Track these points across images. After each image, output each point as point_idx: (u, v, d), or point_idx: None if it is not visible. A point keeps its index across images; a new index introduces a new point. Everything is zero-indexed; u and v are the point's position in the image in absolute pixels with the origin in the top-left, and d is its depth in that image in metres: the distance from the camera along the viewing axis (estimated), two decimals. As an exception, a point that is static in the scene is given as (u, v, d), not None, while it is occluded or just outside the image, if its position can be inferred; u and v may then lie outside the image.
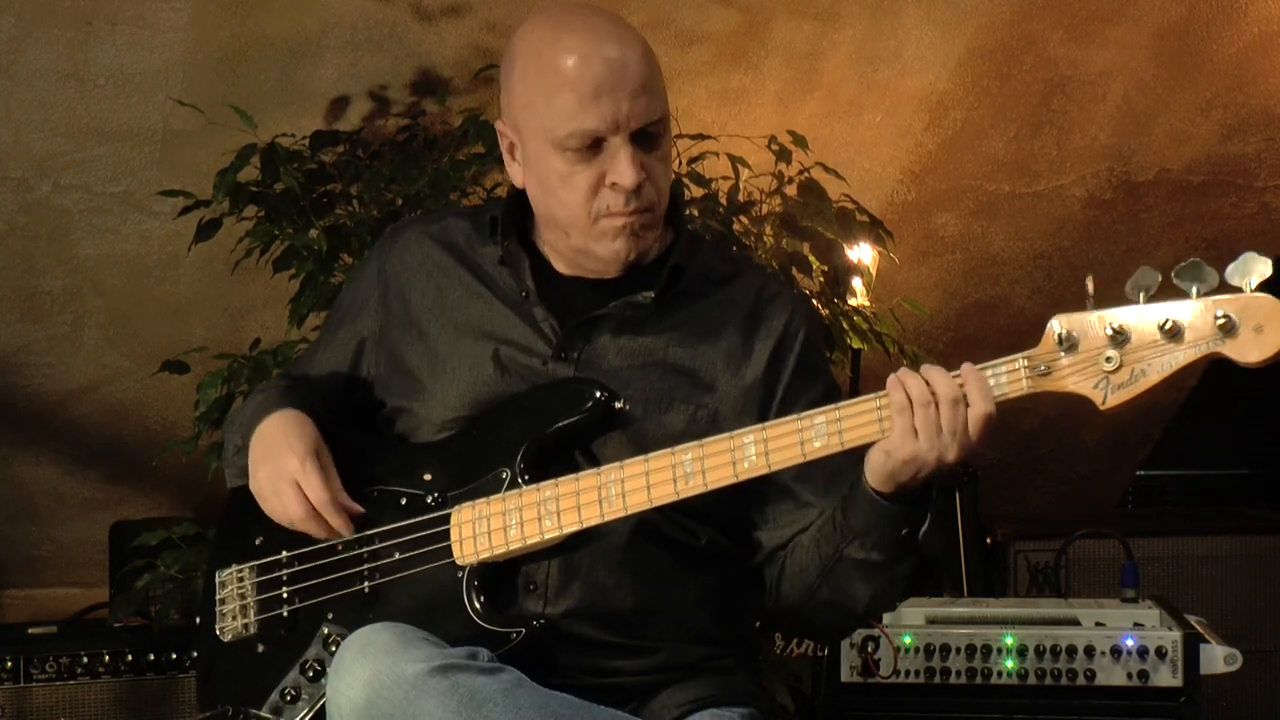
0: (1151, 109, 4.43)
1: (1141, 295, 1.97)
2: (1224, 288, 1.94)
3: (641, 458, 2.16)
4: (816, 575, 2.23)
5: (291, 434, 2.29)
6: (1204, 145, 4.56)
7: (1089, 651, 3.00)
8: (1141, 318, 1.96)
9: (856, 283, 3.67)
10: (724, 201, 3.56)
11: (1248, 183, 4.69)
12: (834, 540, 2.18)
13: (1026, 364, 2.02)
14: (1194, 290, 1.94)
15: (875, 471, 2.09)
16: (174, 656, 3.61)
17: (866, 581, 2.19)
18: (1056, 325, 2.01)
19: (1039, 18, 4.13)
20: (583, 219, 2.24)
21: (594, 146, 2.20)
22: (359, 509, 2.29)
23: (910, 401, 2.03)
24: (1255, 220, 4.78)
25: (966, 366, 2.04)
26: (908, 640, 3.03)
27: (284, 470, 2.27)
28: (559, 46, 2.20)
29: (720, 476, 2.12)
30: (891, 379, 2.05)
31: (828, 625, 2.67)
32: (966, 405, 2.02)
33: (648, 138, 2.22)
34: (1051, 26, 4.17)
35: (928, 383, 2.03)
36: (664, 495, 2.15)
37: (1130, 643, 2.99)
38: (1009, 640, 3.03)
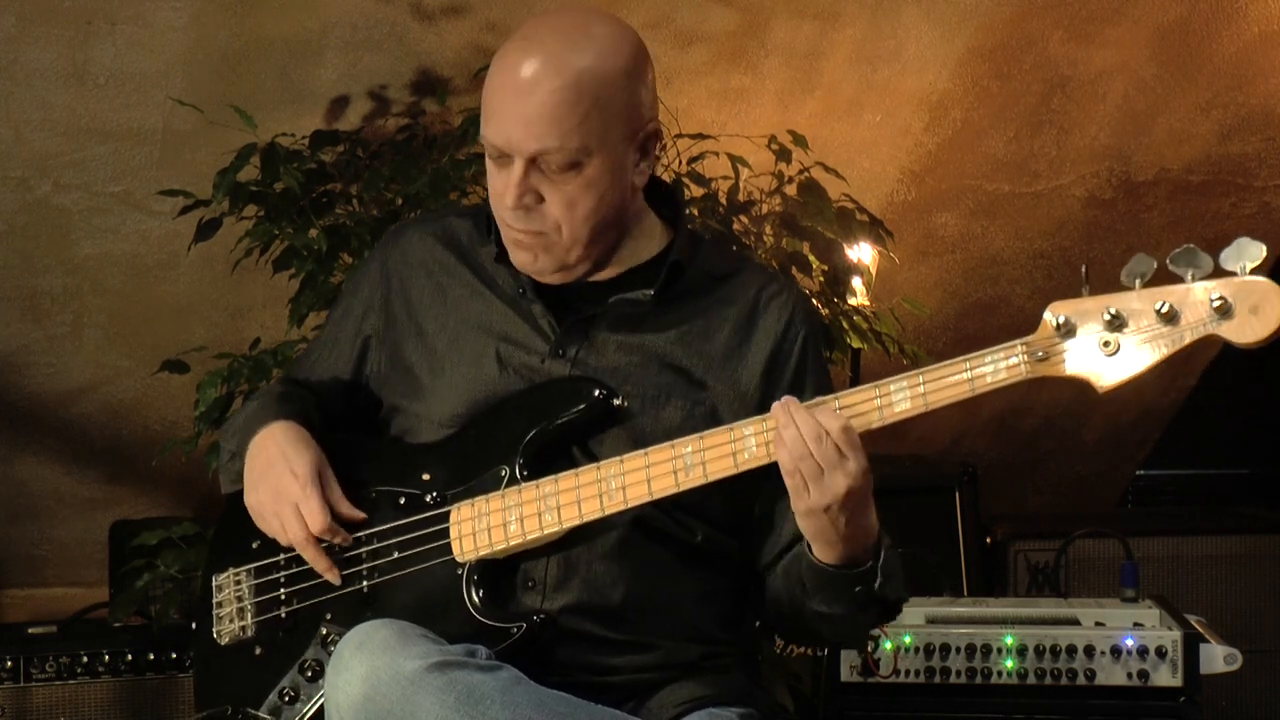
0: (1151, 109, 4.43)
1: (1137, 282, 2.00)
2: (1219, 273, 1.96)
3: (641, 451, 2.17)
4: (788, 610, 2.26)
5: (291, 453, 2.29)
6: (1204, 145, 4.56)
7: (1089, 651, 3.00)
8: (1138, 302, 1.99)
9: (856, 282, 3.67)
10: (724, 201, 3.57)
11: (1248, 183, 4.69)
12: (797, 590, 2.22)
13: (1024, 349, 2.04)
14: (1189, 275, 1.97)
15: (807, 536, 2.13)
16: (174, 656, 3.62)
17: (831, 626, 2.24)
18: (1053, 313, 2.03)
19: (1039, 18, 4.13)
20: (498, 220, 2.29)
21: (505, 156, 2.21)
22: (361, 516, 2.29)
23: (794, 464, 2.06)
24: (1255, 220, 4.78)
25: (814, 403, 2.08)
26: (908, 640, 3.03)
27: (285, 493, 2.27)
28: (504, 53, 2.22)
29: (721, 468, 2.13)
30: (776, 441, 2.08)
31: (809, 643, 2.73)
32: (829, 435, 2.05)
33: (548, 167, 2.20)
34: (1051, 26, 4.17)
35: (799, 430, 2.06)
36: (664, 488, 2.15)
37: (1130, 642, 2.99)
38: (1009, 640, 3.02)
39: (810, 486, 2.06)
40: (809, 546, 2.15)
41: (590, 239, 2.26)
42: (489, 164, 2.26)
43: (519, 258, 2.29)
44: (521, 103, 2.17)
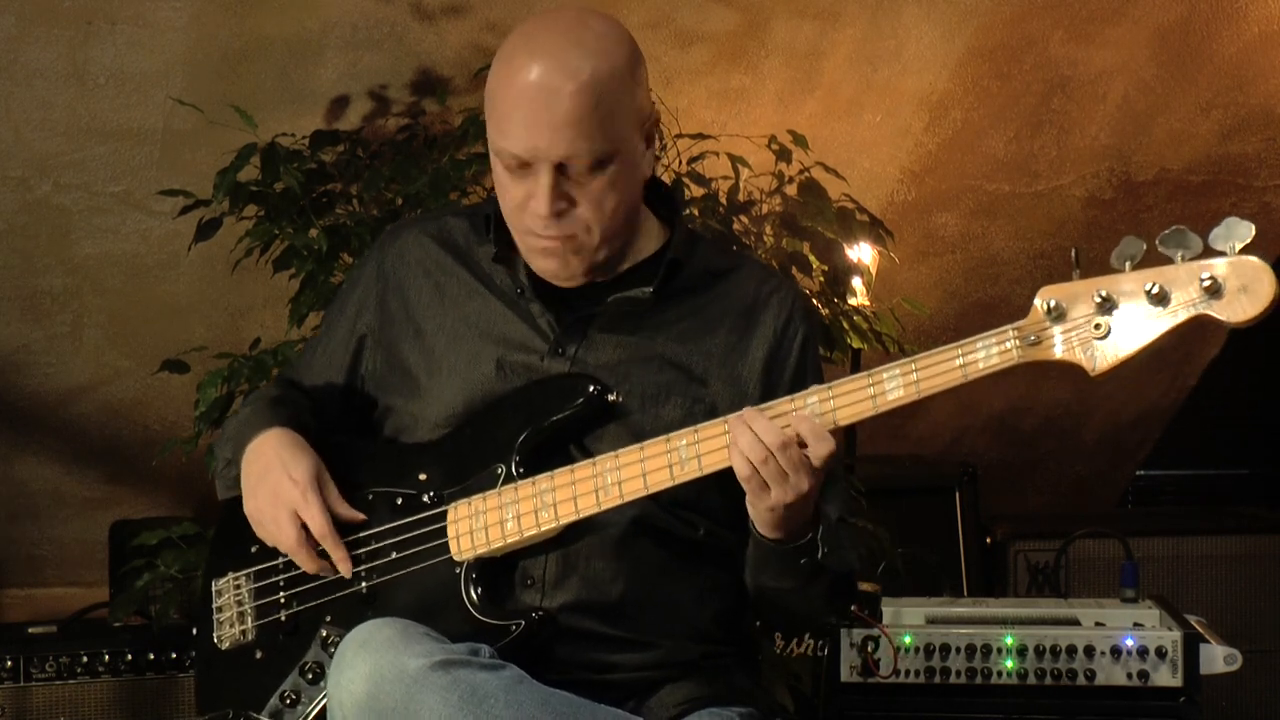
0: (1151, 109, 4.43)
1: (1127, 264, 2.00)
2: (1208, 253, 1.97)
3: (636, 446, 2.17)
4: (753, 594, 2.29)
5: (289, 459, 2.29)
6: (1204, 145, 4.56)
7: (1089, 651, 3.00)
8: (1128, 284, 2.00)
9: (856, 282, 3.67)
10: (724, 201, 3.57)
11: (1248, 183, 4.69)
12: (749, 570, 2.25)
13: (1016, 334, 2.04)
14: (1179, 256, 1.98)
15: (757, 521, 2.16)
16: (174, 656, 3.61)
17: (787, 602, 2.27)
18: (1043, 297, 2.03)
19: (1039, 18, 4.13)
20: (518, 230, 2.27)
21: (525, 166, 2.20)
22: (360, 517, 2.29)
23: (753, 466, 2.08)
24: (1255, 220, 4.71)
25: (799, 416, 2.09)
26: (908, 640, 3.03)
27: (283, 499, 2.27)
28: (511, 62, 2.20)
29: (716, 460, 2.14)
30: (731, 447, 2.10)
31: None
32: (801, 445, 2.07)
33: (575, 170, 2.20)
34: (1051, 26, 4.17)
35: (756, 436, 2.07)
36: (660, 481, 2.16)
37: (1130, 643, 2.99)
38: (1009, 640, 3.02)
39: (773, 488, 2.09)
40: (754, 527, 2.18)
41: (614, 234, 2.27)
42: (503, 175, 2.24)
43: (546, 265, 2.28)
44: (544, 111, 2.16)
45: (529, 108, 2.17)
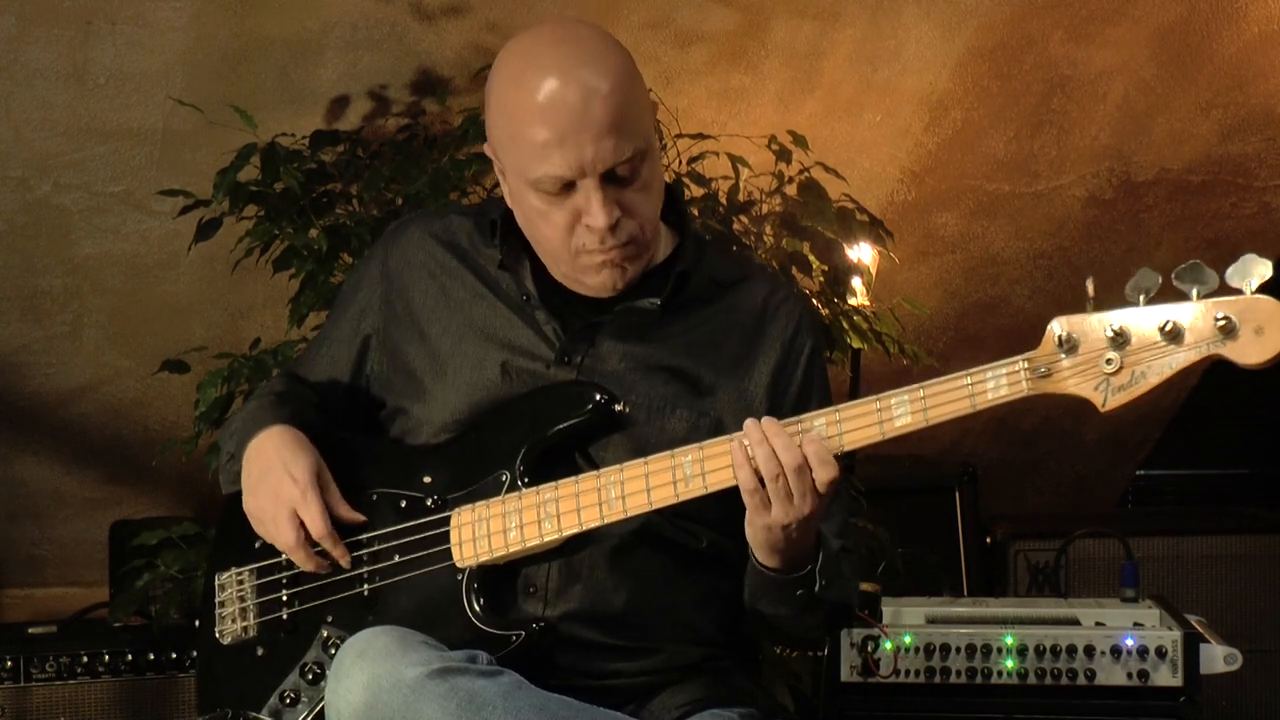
0: (1151, 109, 4.43)
1: (1142, 297, 1.98)
2: (1224, 290, 1.95)
3: (641, 460, 2.16)
4: (748, 612, 2.28)
5: (289, 457, 2.28)
6: (1204, 145, 4.55)
7: (1089, 651, 3.00)
8: (1142, 320, 1.98)
9: (856, 282, 3.67)
10: (724, 201, 3.57)
11: (1248, 183, 4.69)
12: (747, 592, 2.24)
13: (1027, 366, 2.02)
14: (1194, 292, 1.96)
15: (753, 543, 2.14)
16: (174, 656, 3.62)
17: (782, 627, 2.26)
18: (1057, 327, 2.02)
19: (1039, 18, 4.13)
20: (564, 253, 2.23)
21: (567, 187, 2.17)
22: (360, 519, 2.29)
23: (759, 480, 2.06)
24: (1255, 220, 4.78)
25: (807, 438, 2.07)
26: (908, 640, 3.03)
27: (283, 498, 2.27)
28: (525, 87, 2.15)
29: (721, 479, 2.12)
30: (736, 453, 2.07)
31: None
32: (811, 470, 2.05)
33: (620, 175, 2.17)
34: (1051, 26, 4.17)
35: (774, 452, 2.05)
36: (664, 498, 2.15)
37: (1130, 642, 2.99)
38: (1009, 640, 3.02)
39: (775, 506, 2.07)
40: (752, 551, 2.16)
41: (657, 224, 2.27)
42: (538, 204, 2.20)
43: (602, 281, 2.25)
44: (582, 120, 2.12)
45: (566, 126, 2.13)
